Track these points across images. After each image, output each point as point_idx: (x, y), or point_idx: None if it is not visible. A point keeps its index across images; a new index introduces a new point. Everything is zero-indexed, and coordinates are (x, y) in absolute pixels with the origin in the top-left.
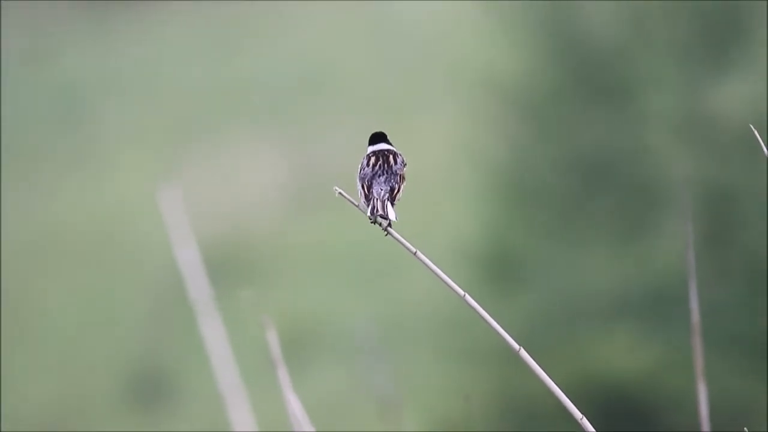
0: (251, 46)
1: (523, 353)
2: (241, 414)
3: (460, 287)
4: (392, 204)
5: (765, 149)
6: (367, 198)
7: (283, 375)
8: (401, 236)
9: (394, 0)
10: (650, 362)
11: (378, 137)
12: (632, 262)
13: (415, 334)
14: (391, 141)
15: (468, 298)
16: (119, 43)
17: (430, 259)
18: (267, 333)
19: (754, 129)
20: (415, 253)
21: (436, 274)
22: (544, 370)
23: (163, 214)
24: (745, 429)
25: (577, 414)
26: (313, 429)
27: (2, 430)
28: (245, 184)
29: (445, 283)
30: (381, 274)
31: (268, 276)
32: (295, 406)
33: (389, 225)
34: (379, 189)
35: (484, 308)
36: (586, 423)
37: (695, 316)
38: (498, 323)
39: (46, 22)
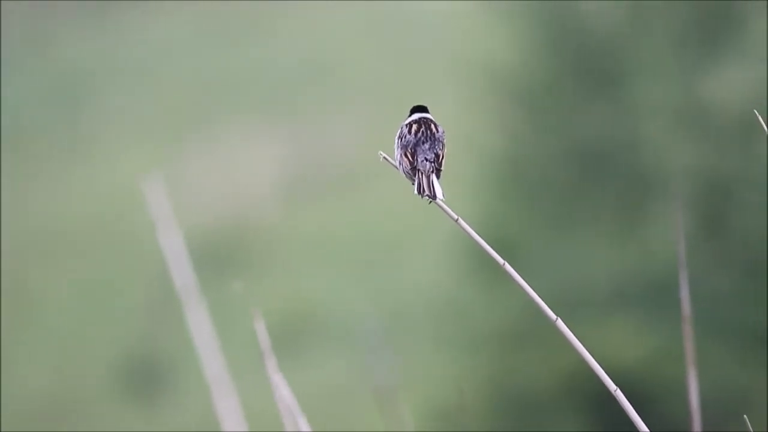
0: (252, 37)
1: (560, 324)
2: (228, 404)
3: (498, 256)
4: (439, 170)
5: None
6: (412, 165)
7: (271, 365)
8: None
9: None
10: (646, 351)
11: (420, 108)
12: (629, 252)
13: (413, 323)
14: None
15: (508, 267)
16: (120, 33)
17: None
18: (255, 323)
19: (757, 114)
20: (456, 220)
21: (478, 243)
22: (582, 344)
23: (148, 204)
24: (745, 416)
25: (612, 386)
26: (303, 418)
27: None
28: (244, 174)
29: (486, 251)
30: (379, 264)
31: (267, 265)
32: (284, 395)
33: (434, 196)
34: (424, 157)
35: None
36: (619, 395)
37: (686, 305)
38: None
39: (47, 9)
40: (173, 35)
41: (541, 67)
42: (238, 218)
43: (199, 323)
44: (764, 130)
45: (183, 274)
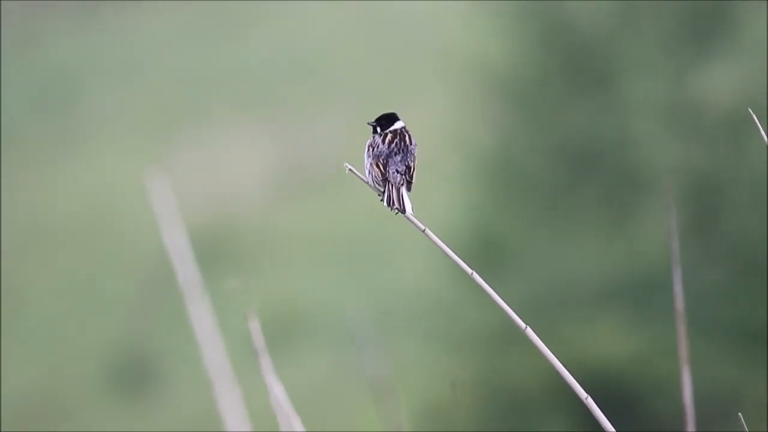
0: (242, 37)
1: (530, 332)
2: (230, 400)
3: (467, 266)
4: (410, 183)
5: (763, 132)
6: (383, 176)
7: (265, 362)
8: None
9: None
10: (636, 349)
11: (391, 118)
12: (618, 250)
13: (402, 322)
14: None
15: (476, 276)
16: (112, 32)
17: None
18: (250, 320)
19: (752, 113)
20: (423, 231)
21: (445, 252)
22: (549, 348)
23: (152, 200)
24: (740, 414)
25: (582, 393)
26: (296, 414)
27: None
28: (234, 171)
29: (453, 260)
30: (368, 262)
31: (258, 262)
32: (277, 392)
33: (404, 209)
34: (395, 169)
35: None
36: (591, 402)
37: (679, 302)
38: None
39: (38, 10)
40: (164, 35)
41: (531, 66)
42: (227, 217)
43: (201, 319)
44: (759, 129)
45: (185, 271)
